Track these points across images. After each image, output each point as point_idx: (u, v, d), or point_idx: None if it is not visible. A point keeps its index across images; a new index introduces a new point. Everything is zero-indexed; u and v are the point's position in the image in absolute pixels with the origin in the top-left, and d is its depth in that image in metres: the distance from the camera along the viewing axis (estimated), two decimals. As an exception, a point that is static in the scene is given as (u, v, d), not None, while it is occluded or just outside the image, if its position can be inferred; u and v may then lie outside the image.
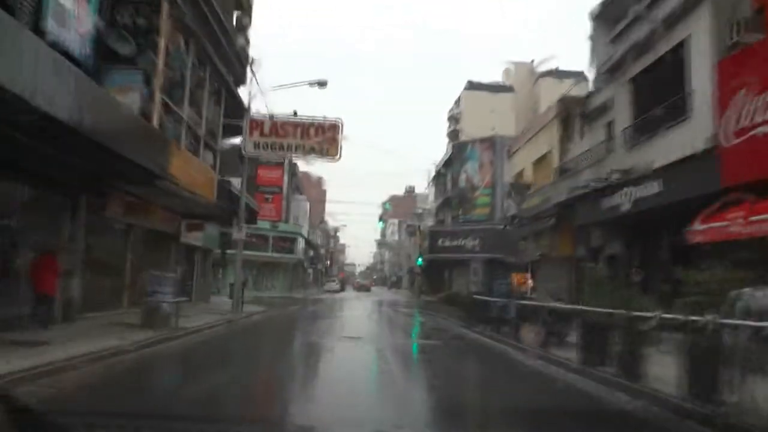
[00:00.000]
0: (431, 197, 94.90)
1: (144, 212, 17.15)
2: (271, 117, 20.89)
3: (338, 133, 20.91)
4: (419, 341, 14.53)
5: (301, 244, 49.76)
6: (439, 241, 47.55)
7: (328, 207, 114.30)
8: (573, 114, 21.16)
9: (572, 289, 21.92)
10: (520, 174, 26.88)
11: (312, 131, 20.76)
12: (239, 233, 20.83)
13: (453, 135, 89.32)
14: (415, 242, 51.60)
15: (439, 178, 55.38)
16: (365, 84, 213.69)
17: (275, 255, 45.88)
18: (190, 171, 17.20)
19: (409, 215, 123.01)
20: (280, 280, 47.98)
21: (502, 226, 30.68)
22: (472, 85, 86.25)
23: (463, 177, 48.65)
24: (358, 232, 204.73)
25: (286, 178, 48.26)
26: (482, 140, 48.78)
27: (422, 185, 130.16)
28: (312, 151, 20.77)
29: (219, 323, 16.38)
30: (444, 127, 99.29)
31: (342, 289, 66.42)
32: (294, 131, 20.70)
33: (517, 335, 13.62)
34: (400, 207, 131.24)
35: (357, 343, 12.79)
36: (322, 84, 21.77)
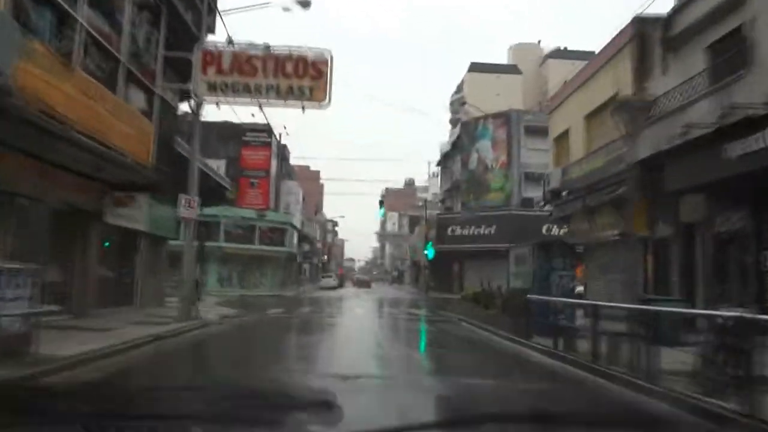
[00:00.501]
0: (434, 186, 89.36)
1: (29, 173, 10.99)
2: (231, 43, 14.69)
3: (326, 71, 14.73)
4: (475, 391, 7.42)
5: (292, 235, 43.60)
6: (449, 230, 41.47)
7: (326, 201, 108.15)
8: (651, 40, 15.03)
9: (646, 284, 15.92)
10: (563, 136, 20.72)
11: (289, 67, 14.57)
12: (188, 210, 14.60)
13: (456, 122, 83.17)
14: (422, 231, 45.44)
15: (446, 161, 49.25)
16: (359, 73, 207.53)
17: (263, 248, 39.71)
18: (98, 109, 11.04)
19: (409, 207, 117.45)
20: (270, 277, 41.84)
21: (541, 205, 23.94)
22: (475, 67, 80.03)
23: (474, 158, 42.58)
24: (357, 225, 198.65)
25: (274, 161, 42.07)
26: (495, 116, 42.71)
27: (422, 178, 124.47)
28: (290, 93, 14.56)
29: (136, 343, 10.26)
30: (445, 117, 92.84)
31: (340, 286, 60.27)
32: (264, 67, 14.49)
33: (651, 370, 7.39)
34: (399, 200, 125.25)
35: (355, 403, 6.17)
36: (304, 4, 15.62)
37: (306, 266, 66.57)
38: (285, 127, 40.71)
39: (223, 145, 39.95)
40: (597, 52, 18.68)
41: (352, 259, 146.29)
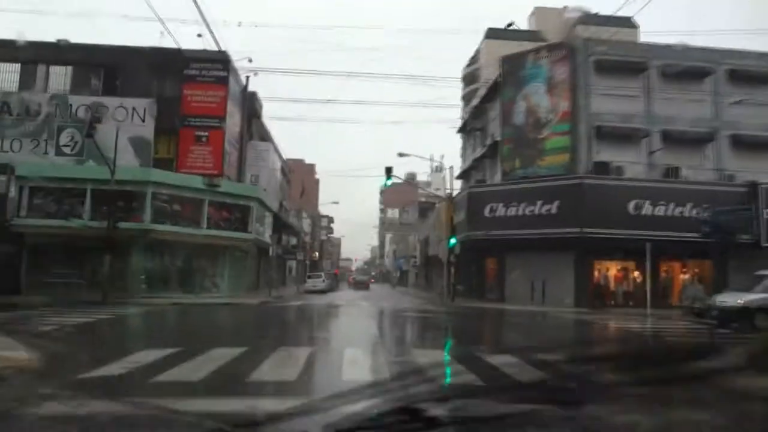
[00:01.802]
0: (437, 181, 76.49)
1: None
2: None
3: None
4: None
5: (261, 217, 29.97)
6: (486, 210, 27.98)
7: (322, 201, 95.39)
8: None
9: None
10: None
11: None
12: None
13: (470, 97, 69.86)
14: (444, 212, 31.89)
15: (475, 120, 35.72)
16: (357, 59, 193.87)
17: (214, 233, 26.18)
18: None
19: (411, 203, 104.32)
20: (230, 276, 28.31)
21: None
22: (493, 34, 66.81)
23: (520, 108, 29.20)
24: (356, 228, 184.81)
25: (234, 108, 28.55)
26: (552, 47, 29.40)
27: (425, 173, 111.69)
28: None
29: None
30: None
31: (332, 289, 46.84)
32: None
33: None
34: (399, 196, 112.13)
35: None
36: None
37: (292, 264, 53.25)
38: (251, 60, 27.24)
39: (157, 80, 26.53)
40: None
41: (349, 259, 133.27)
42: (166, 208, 24.83)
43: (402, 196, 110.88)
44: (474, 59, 72.86)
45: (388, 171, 28.07)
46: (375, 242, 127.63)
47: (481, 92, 34.56)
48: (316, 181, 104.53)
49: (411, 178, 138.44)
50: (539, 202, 26.36)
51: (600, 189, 25.35)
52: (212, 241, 26.15)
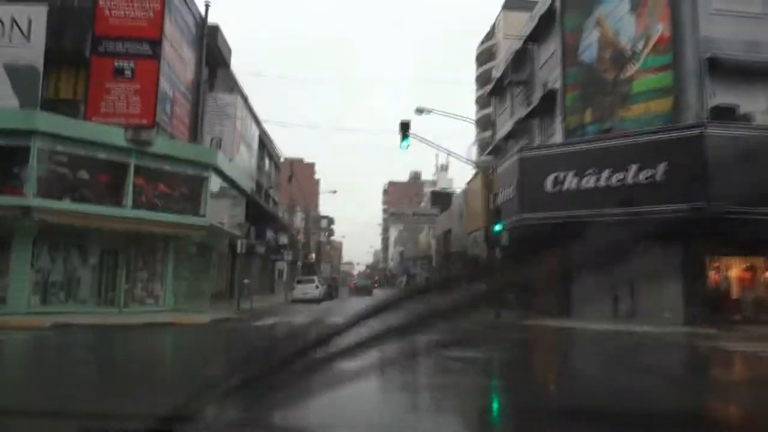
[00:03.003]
0: (443, 179, 68.47)
1: None
2: None
3: None
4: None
5: (220, 193, 20.72)
6: (549, 182, 18.79)
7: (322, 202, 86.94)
8: None
9: None
10: None
11: None
12: None
13: (484, 78, 60.96)
14: (479, 188, 22.47)
15: (517, 68, 26.42)
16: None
17: (146, 215, 17.02)
18: None
19: (416, 202, 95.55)
20: (177, 277, 19.12)
21: None
22: (512, 4, 57.85)
23: (590, 40, 20.13)
24: (358, 230, 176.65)
25: (177, 31, 19.41)
26: (639, -52, 20.29)
27: (429, 171, 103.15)
28: None
29: None
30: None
31: (330, 296, 37.73)
32: None
33: None
34: (404, 195, 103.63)
35: None
36: None
37: (283, 266, 44.12)
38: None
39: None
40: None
41: (350, 263, 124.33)
42: (66, 175, 15.75)
43: (407, 194, 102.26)
44: (490, 35, 64.00)
45: (404, 127, 18.95)
46: (378, 245, 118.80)
47: (524, 31, 25.46)
48: (316, 182, 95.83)
49: (416, 177, 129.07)
50: (634, 167, 17.23)
51: (731, 144, 16.24)
52: (143, 228, 17.00)
